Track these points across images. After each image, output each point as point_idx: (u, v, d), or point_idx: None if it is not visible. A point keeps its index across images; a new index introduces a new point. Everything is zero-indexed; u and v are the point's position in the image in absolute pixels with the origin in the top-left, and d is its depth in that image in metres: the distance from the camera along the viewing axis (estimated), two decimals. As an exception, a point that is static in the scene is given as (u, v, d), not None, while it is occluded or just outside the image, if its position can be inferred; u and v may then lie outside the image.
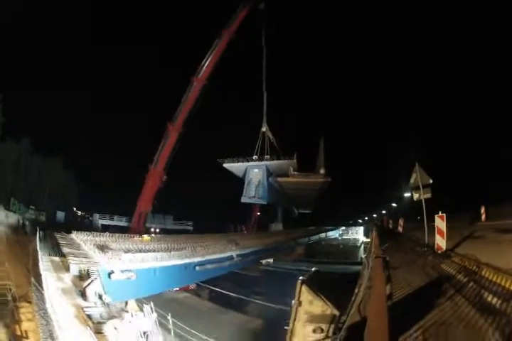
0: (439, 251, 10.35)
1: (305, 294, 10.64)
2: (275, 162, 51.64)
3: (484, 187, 34.55)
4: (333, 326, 9.54)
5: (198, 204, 72.69)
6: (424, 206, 14.08)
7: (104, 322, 7.88)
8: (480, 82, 57.16)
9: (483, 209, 19.22)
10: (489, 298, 4.90)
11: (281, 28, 63.65)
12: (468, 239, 11.33)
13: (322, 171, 53.52)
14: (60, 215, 48.13)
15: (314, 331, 9.80)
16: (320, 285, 11.28)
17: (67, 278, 10.57)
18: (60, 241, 17.21)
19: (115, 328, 7.70)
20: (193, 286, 26.91)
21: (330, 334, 9.27)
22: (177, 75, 60.79)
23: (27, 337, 5.55)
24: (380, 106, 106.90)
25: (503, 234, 10.91)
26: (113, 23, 77.27)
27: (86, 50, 74.57)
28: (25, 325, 5.92)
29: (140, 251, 17.08)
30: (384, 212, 67.33)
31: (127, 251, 16.27)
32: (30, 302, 6.78)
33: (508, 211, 18.05)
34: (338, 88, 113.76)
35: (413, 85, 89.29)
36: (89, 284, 9.99)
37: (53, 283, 9.51)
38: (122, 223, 48.20)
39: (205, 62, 44.92)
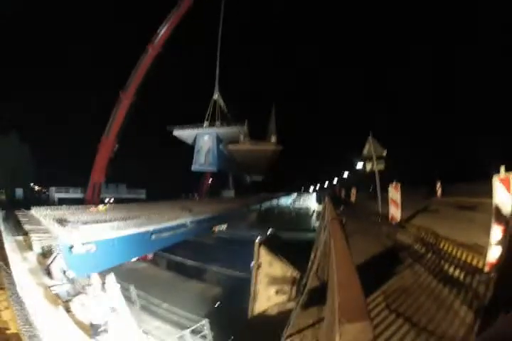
0: (393, 222, 10.56)
1: (264, 256, 10.85)
2: (225, 128, 51.33)
3: (438, 164, 35.37)
4: (294, 288, 9.89)
5: (150, 172, 71.60)
6: (377, 176, 14.08)
7: (71, 300, 7.81)
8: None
9: (438, 185, 19.74)
10: (451, 271, 5.18)
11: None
12: (423, 212, 11.66)
13: (273, 139, 53.48)
14: (19, 192, 46.54)
15: (277, 293, 10.13)
16: (277, 248, 11.53)
17: (32, 256, 10.26)
18: (21, 218, 16.71)
19: (82, 304, 7.66)
20: (150, 256, 27.02)
21: (292, 296, 9.61)
22: (130, 43, 57.71)
23: (8, 328, 5.36)
24: (335, 75, 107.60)
25: (459, 211, 11.36)
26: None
27: (33, 14, 68.71)
28: (4, 315, 5.71)
29: (97, 221, 16.93)
30: (336, 180, 68.68)
31: (85, 222, 16.08)
32: (2, 289, 6.53)
33: (460, 188, 18.77)
34: (293, 55, 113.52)
35: (369, 58, 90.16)
36: (52, 261, 9.78)
37: (20, 264, 9.24)
38: (78, 195, 46.94)
39: (162, 30, 43.16)
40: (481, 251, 4.63)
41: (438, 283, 4.91)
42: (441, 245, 6.19)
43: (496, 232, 4.18)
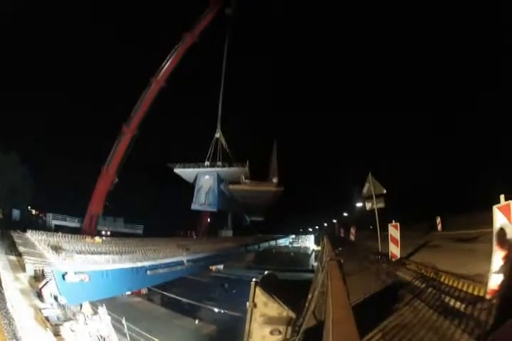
0: (393, 259, 10.49)
1: (259, 296, 10.67)
2: (227, 169, 51.14)
3: (437, 198, 35.25)
4: (290, 328, 9.65)
5: (148, 207, 71.11)
6: (377, 215, 14.09)
7: (61, 324, 7.61)
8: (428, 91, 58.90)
9: (438, 220, 19.83)
10: (451, 303, 5.05)
11: (246, 33, 63.52)
12: (424, 247, 11.63)
13: (275, 180, 53.33)
14: (16, 213, 46.03)
15: (272, 333, 9.86)
16: (273, 288, 11.35)
17: (24, 278, 10.11)
18: (16, 239, 16.52)
19: (72, 330, 7.45)
20: (145, 291, 26.53)
21: (288, 336, 9.36)
22: (133, 76, 59.06)
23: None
24: (333, 116, 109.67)
25: (460, 244, 11.31)
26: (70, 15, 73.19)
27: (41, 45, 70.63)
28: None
29: (92, 253, 16.74)
30: (335, 221, 68.37)
31: (80, 252, 15.89)
32: (-10, 303, 6.43)
33: (461, 220, 18.80)
34: (294, 98, 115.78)
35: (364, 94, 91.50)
36: (44, 285, 9.62)
37: (11, 283, 9.09)
38: (75, 224, 46.44)
39: (166, 64, 44.25)
40: (483, 280, 4.57)
41: (439, 316, 4.75)
42: (442, 279, 6.12)
43: (498, 259, 4.15)
